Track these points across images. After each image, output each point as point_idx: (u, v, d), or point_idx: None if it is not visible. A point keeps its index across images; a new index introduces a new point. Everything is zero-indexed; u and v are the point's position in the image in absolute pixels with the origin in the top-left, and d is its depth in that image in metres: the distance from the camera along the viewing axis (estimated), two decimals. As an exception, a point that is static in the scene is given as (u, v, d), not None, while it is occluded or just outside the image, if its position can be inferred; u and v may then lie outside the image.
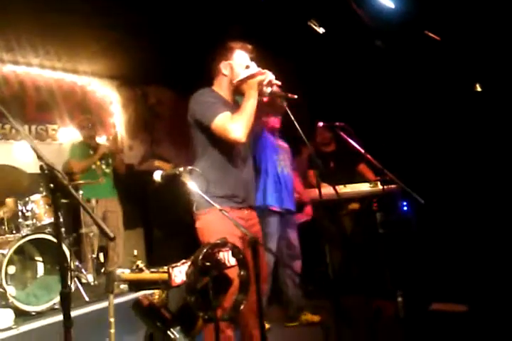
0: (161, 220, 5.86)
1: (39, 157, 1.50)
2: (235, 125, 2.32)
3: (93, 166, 4.90)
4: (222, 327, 2.23)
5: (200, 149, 2.50)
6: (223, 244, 1.80)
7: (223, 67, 2.52)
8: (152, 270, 1.78)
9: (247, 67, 2.49)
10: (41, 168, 1.47)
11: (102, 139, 5.55)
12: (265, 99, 2.59)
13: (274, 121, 3.90)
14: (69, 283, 3.74)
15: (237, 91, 2.51)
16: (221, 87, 2.55)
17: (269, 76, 2.43)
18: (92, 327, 3.23)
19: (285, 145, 4.04)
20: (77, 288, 3.98)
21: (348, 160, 4.49)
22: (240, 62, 2.50)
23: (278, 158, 3.85)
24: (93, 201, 4.73)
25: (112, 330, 2.27)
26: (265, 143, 3.81)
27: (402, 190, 3.06)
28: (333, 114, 3.63)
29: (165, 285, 1.70)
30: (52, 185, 1.46)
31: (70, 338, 1.55)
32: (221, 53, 2.54)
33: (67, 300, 1.56)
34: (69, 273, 3.62)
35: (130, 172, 5.38)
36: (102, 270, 4.88)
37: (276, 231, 3.75)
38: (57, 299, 3.57)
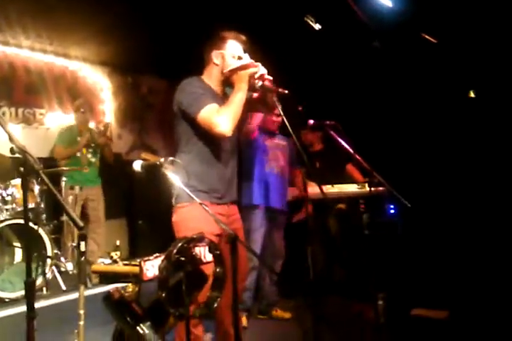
0: (146, 211, 5.80)
1: (11, 139, 1.47)
2: (221, 118, 2.26)
3: (78, 154, 4.81)
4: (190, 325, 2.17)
5: (183, 140, 2.43)
6: (200, 239, 1.75)
7: (215, 56, 2.45)
8: (125, 262, 1.73)
9: (240, 58, 2.43)
10: (11, 150, 1.42)
11: (91, 125, 5.46)
12: (256, 94, 2.53)
13: (271, 121, 3.85)
14: (46, 271, 3.68)
15: (227, 82, 2.45)
16: (211, 77, 2.48)
17: (261, 69, 2.37)
18: (65, 317, 3.17)
19: (283, 142, 3.99)
20: (54, 277, 3.92)
21: (337, 160, 4.45)
22: (232, 53, 2.44)
23: (267, 158, 3.82)
24: (77, 188, 4.65)
25: (81, 322, 2.22)
26: (256, 143, 3.79)
27: (389, 193, 3.03)
28: (325, 112, 3.58)
29: (136, 278, 1.64)
30: (22, 169, 1.42)
31: (32, 329, 1.50)
32: (213, 42, 2.47)
33: (31, 290, 1.50)
34: (40, 262, 3.56)
35: (117, 161, 5.30)
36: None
37: (260, 226, 3.74)
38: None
